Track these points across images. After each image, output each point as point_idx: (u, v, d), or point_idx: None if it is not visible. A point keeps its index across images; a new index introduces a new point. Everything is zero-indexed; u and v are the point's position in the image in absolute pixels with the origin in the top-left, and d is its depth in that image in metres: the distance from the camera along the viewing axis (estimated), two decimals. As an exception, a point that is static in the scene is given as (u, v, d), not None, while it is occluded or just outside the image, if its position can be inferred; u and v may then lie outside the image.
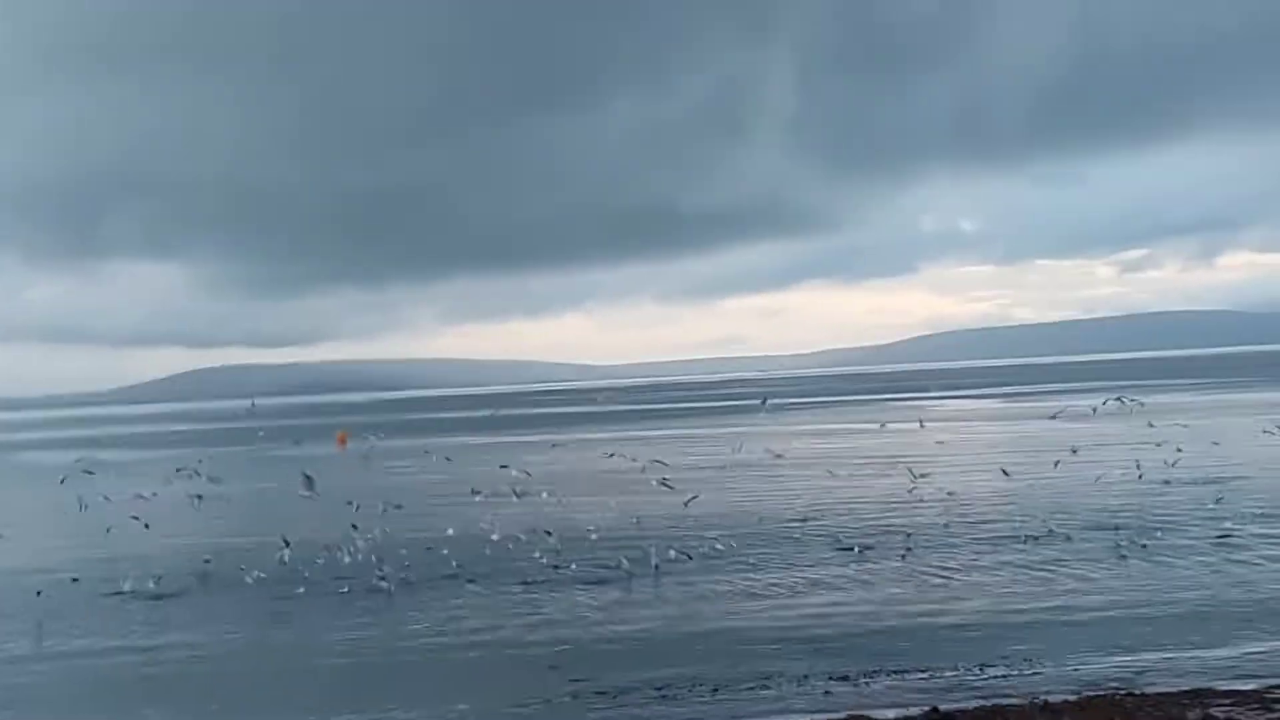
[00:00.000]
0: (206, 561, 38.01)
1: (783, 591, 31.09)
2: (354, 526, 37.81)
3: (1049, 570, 32.13)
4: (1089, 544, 35.69)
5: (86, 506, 41.31)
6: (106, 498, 44.50)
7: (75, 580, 36.69)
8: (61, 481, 47.45)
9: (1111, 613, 27.00)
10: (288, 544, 35.98)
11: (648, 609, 29.86)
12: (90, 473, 49.19)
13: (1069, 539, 36.63)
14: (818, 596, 30.22)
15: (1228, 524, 38.04)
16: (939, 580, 31.54)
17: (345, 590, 33.64)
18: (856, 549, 36.37)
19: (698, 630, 27.19)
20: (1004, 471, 47.62)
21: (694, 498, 43.09)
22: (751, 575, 33.37)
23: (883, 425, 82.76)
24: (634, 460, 54.02)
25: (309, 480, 41.55)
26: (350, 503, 40.37)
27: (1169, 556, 33.36)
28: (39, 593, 34.21)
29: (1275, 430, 52.55)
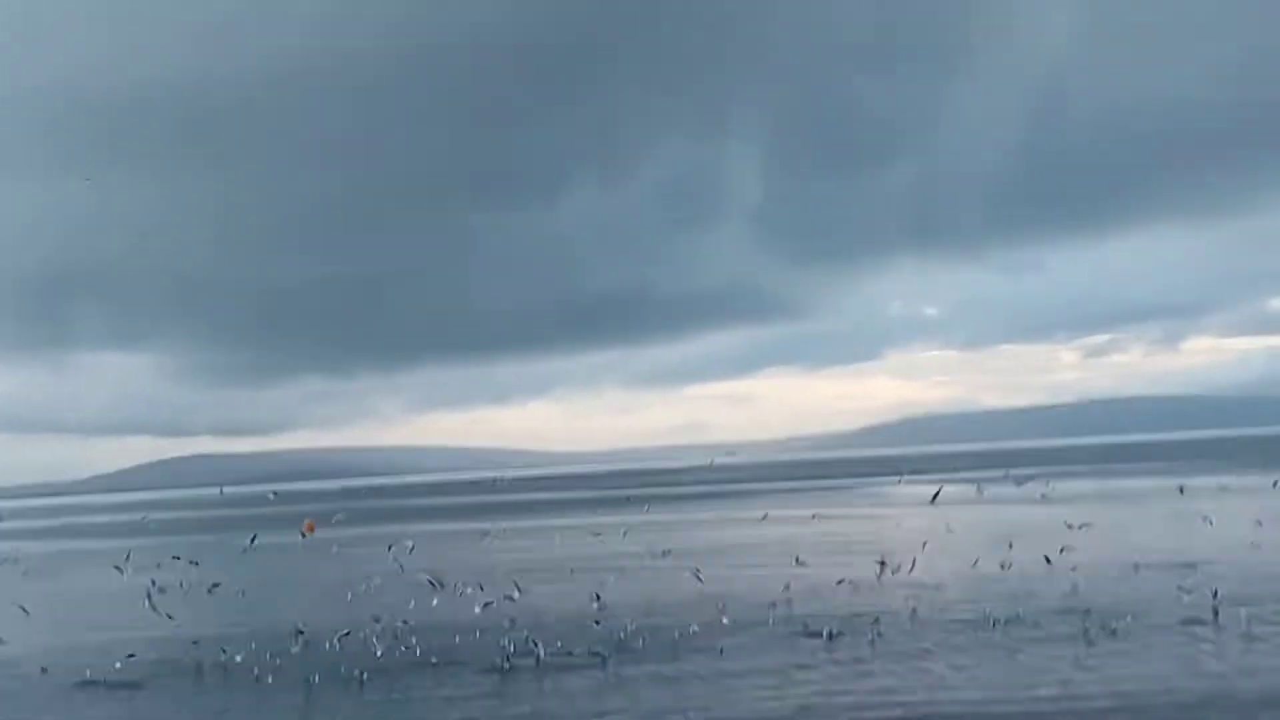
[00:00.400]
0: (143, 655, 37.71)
1: (763, 677, 30.81)
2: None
3: (1023, 654, 32.02)
4: (1057, 628, 35.64)
5: (59, 596, 41.00)
6: (73, 589, 44.15)
7: (44, 671, 36.32)
8: (24, 574, 47.17)
9: (1100, 703, 26.70)
10: (222, 652, 35.67)
11: (622, 698, 29.60)
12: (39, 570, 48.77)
13: (1037, 624, 36.57)
14: (802, 687, 29.84)
15: (1196, 608, 38.02)
16: (917, 667, 31.35)
17: (318, 680, 33.32)
18: (826, 634, 36.15)
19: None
20: (972, 559, 47.54)
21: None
22: (724, 663, 33.16)
23: (834, 519, 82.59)
24: (599, 544, 53.94)
25: None
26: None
27: (1137, 641, 33.32)
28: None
29: (1213, 520, 52.69)
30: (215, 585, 49.19)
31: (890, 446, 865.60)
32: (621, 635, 36.21)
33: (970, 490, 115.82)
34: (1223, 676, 28.62)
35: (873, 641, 35.00)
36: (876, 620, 37.70)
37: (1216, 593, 38.18)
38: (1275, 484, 78.21)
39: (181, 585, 50.69)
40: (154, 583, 44.29)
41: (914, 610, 39.94)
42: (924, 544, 54.66)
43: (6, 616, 48.64)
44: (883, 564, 46.64)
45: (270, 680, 33.25)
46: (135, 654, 37.26)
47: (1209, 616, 36.60)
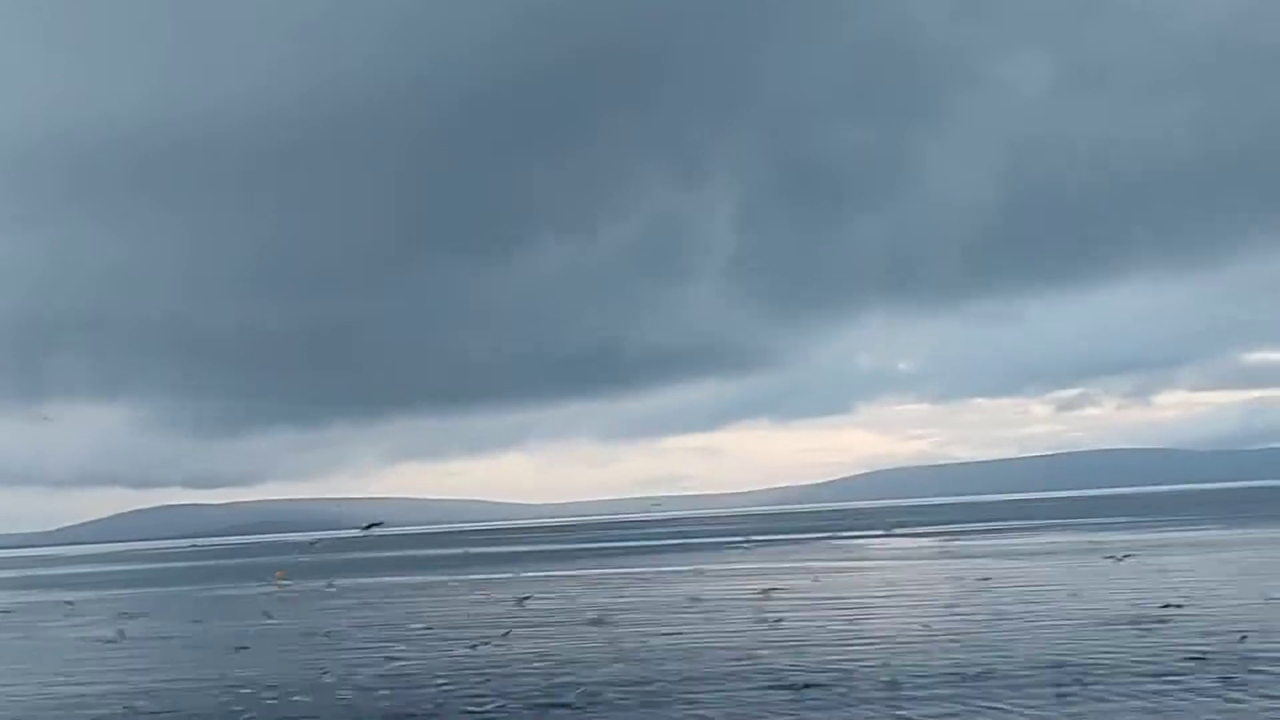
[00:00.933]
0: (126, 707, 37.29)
1: None
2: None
3: (998, 712, 31.85)
4: (1030, 685, 35.49)
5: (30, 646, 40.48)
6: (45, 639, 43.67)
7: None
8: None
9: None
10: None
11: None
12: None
13: (1011, 679, 36.42)
14: None
15: (1164, 662, 37.92)
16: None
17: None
18: (801, 685, 35.88)
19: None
20: (942, 607, 47.27)
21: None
22: (698, 713, 32.97)
23: (814, 575, 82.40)
24: (572, 599, 53.63)
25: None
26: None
27: (1111, 693, 33.20)
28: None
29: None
30: (170, 637, 48.71)
31: (859, 499, 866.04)
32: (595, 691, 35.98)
33: (949, 543, 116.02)
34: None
35: (843, 694, 34.83)
36: (850, 674, 37.38)
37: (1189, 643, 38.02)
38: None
39: (126, 635, 50.25)
40: (123, 633, 43.79)
41: (885, 664, 39.64)
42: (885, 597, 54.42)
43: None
44: (858, 615, 46.27)
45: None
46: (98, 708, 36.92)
47: (1178, 669, 36.56)
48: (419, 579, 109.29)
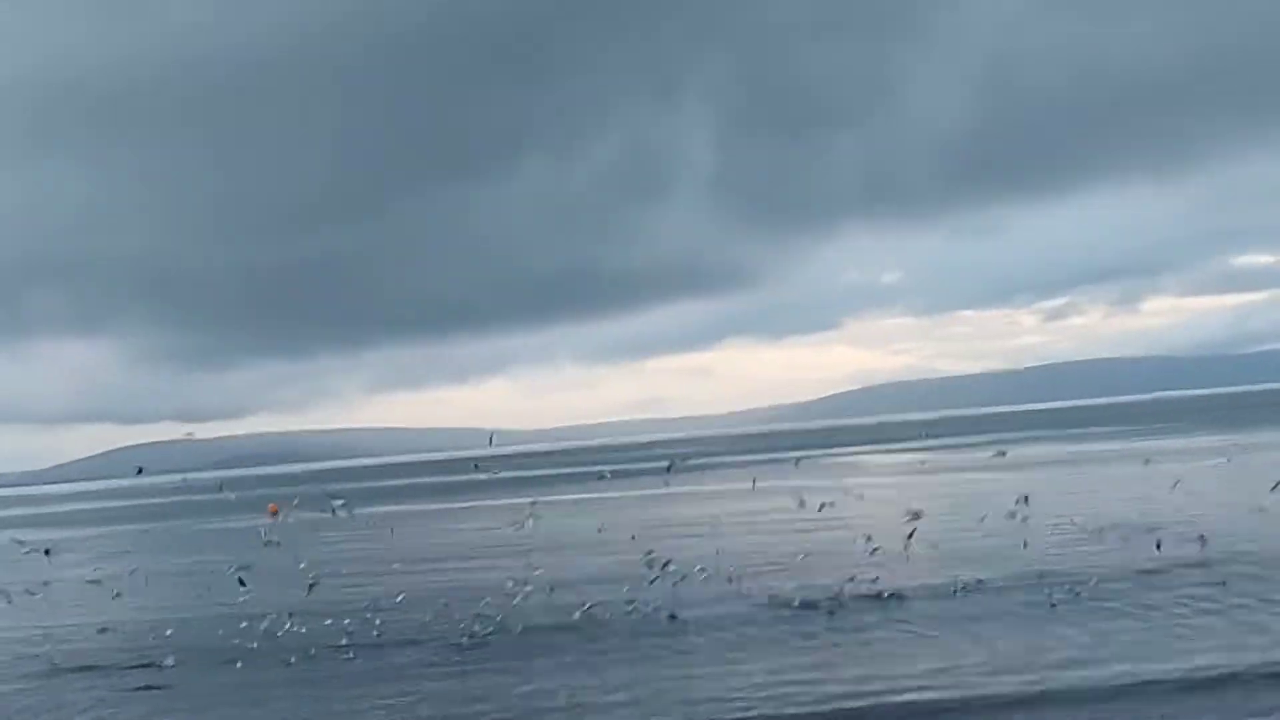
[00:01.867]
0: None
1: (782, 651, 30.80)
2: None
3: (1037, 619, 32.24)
4: (1023, 596, 35.90)
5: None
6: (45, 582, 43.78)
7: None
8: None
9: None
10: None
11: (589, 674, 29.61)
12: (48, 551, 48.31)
13: (1000, 591, 36.89)
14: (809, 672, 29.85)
15: (1159, 573, 38.36)
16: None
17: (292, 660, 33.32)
18: (824, 609, 36.05)
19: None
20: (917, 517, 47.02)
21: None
22: (723, 633, 33.33)
23: (801, 500, 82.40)
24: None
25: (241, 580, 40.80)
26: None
27: (1100, 605, 33.63)
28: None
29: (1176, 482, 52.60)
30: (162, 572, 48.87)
31: (852, 416, 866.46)
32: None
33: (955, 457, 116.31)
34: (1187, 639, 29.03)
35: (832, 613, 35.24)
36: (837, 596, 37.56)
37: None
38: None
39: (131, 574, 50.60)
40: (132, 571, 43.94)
41: (875, 579, 39.85)
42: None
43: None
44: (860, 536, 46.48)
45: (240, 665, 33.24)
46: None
47: (1164, 578, 37.10)
48: (421, 507, 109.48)
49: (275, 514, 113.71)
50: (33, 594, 40.82)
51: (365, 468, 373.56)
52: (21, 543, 46.28)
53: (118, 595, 43.84)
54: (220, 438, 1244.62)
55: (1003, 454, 73.28)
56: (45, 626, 40.60)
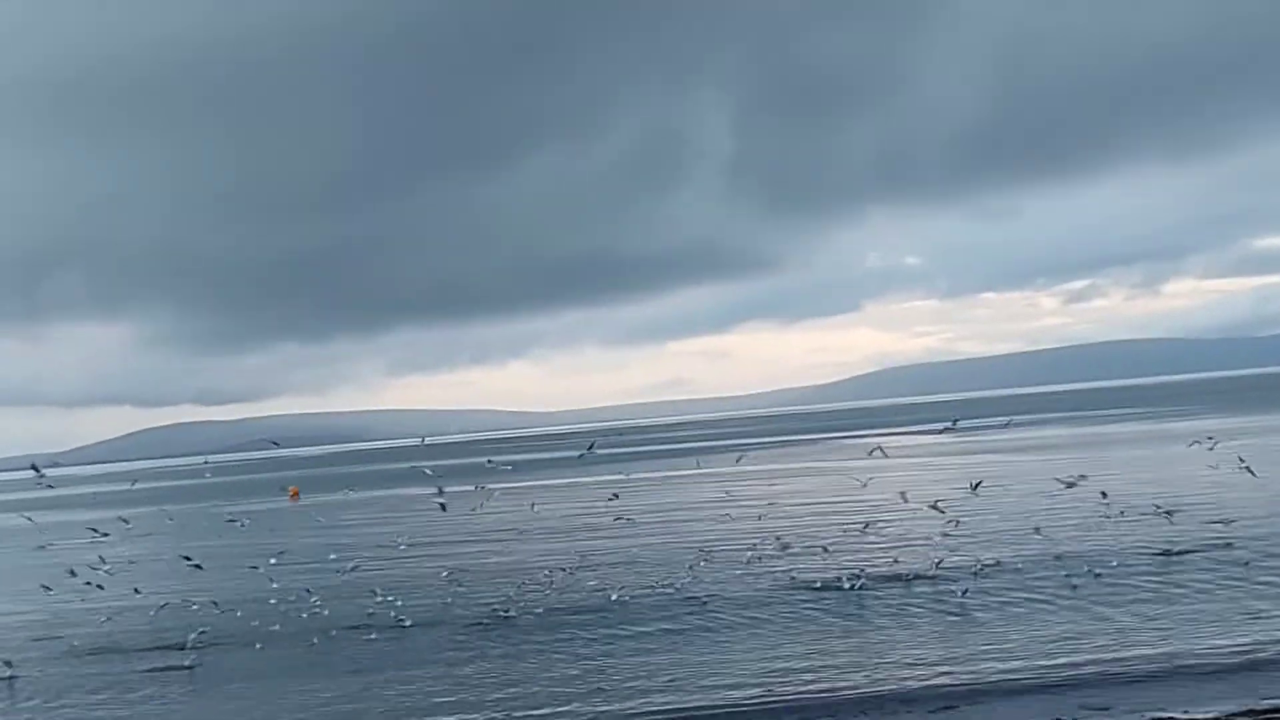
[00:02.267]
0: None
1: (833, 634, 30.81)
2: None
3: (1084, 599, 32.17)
4: (1044, 575, 35.84)
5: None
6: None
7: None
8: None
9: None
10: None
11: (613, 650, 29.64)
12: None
13: (1018, 570, 36.88)
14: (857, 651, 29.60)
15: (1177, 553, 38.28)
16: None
17: (314, 642, 33.42)
18: (849, 585, 36.04)
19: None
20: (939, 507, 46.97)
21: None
22: (752, 613, 33.45)
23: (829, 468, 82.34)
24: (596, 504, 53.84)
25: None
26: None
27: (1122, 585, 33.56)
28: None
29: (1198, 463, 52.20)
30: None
31: (869, 398, 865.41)
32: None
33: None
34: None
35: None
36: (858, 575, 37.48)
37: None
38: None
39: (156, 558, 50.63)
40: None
41: (894, 560, 39.85)
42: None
43: None
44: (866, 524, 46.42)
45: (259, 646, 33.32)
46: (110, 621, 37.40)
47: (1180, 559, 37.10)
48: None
49: (295, 497, 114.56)
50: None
51: (384, 451, 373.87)
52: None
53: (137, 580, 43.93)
54: (240, 419, 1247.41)
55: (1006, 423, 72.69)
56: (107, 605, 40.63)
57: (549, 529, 58.01)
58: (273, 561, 40.91)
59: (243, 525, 43.54)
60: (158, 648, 34.34)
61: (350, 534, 66.51)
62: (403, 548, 50.48)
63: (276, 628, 35.15)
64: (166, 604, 38.78)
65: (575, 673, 27.80)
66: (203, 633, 34.06)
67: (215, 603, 37.52)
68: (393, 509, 79.93)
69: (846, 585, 36.00)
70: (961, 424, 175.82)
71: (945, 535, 43.75)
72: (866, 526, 44.94)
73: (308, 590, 37.43)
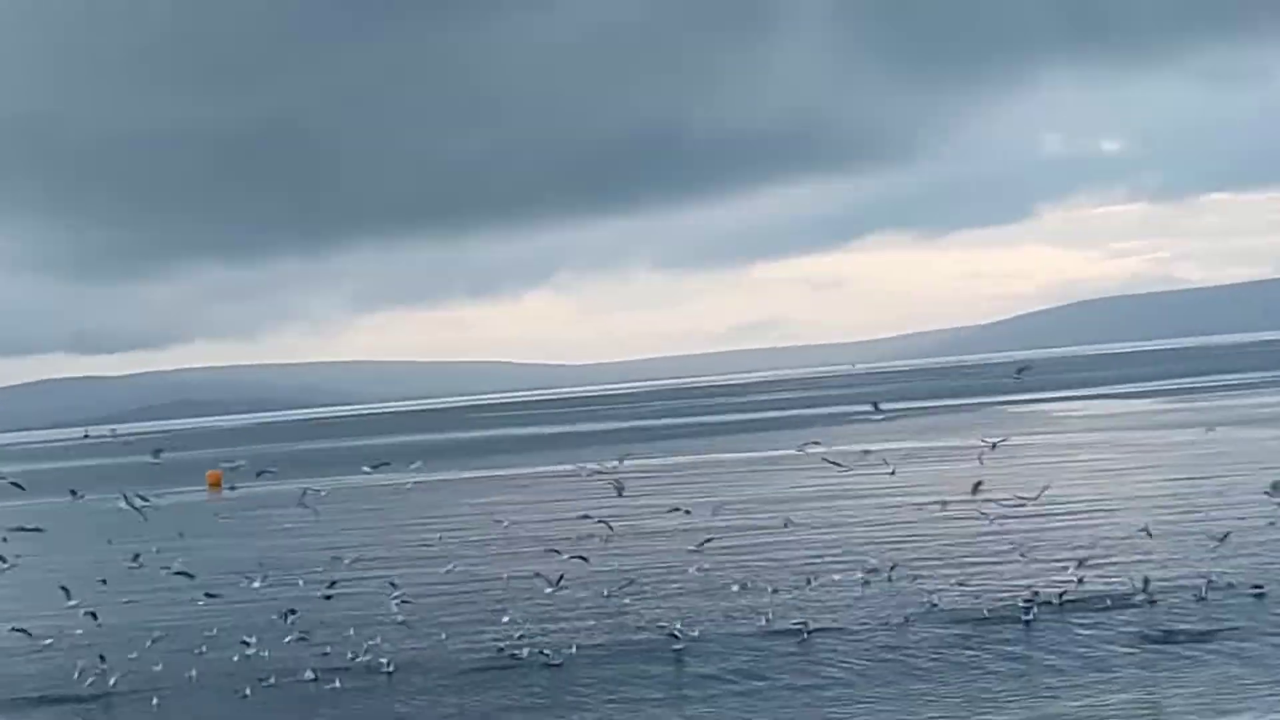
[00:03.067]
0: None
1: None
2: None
3: None
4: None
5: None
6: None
7: None
8: None
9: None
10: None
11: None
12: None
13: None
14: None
15: None
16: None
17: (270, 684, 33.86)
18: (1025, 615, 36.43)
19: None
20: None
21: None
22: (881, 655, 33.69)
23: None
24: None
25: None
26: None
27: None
28: None
29: None
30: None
31: (1049, 345, 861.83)
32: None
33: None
34: None
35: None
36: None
37: None
38: None
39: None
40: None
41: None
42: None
43: None
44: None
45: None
46: None
47: None
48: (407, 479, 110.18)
49: (217, 486, 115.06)
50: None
51: (336, 419, 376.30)
52: None
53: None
54: (137, 373, 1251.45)
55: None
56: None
57: (573, 533, 58.35)
58: (187, 577, 41.25)
59: (143, 521, 43.67)
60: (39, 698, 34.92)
61: (308, 537, 67.02)
62: (395, 550, 51.09)
63: (193, 673, 35.51)
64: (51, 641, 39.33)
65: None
66: (93, 681, 34.52)
67: (102, 640, 37.90)
68: (370, 498, 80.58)
69: (1023, 615, 36.08)
70: (1173, 384, 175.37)
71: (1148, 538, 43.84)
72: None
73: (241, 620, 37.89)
